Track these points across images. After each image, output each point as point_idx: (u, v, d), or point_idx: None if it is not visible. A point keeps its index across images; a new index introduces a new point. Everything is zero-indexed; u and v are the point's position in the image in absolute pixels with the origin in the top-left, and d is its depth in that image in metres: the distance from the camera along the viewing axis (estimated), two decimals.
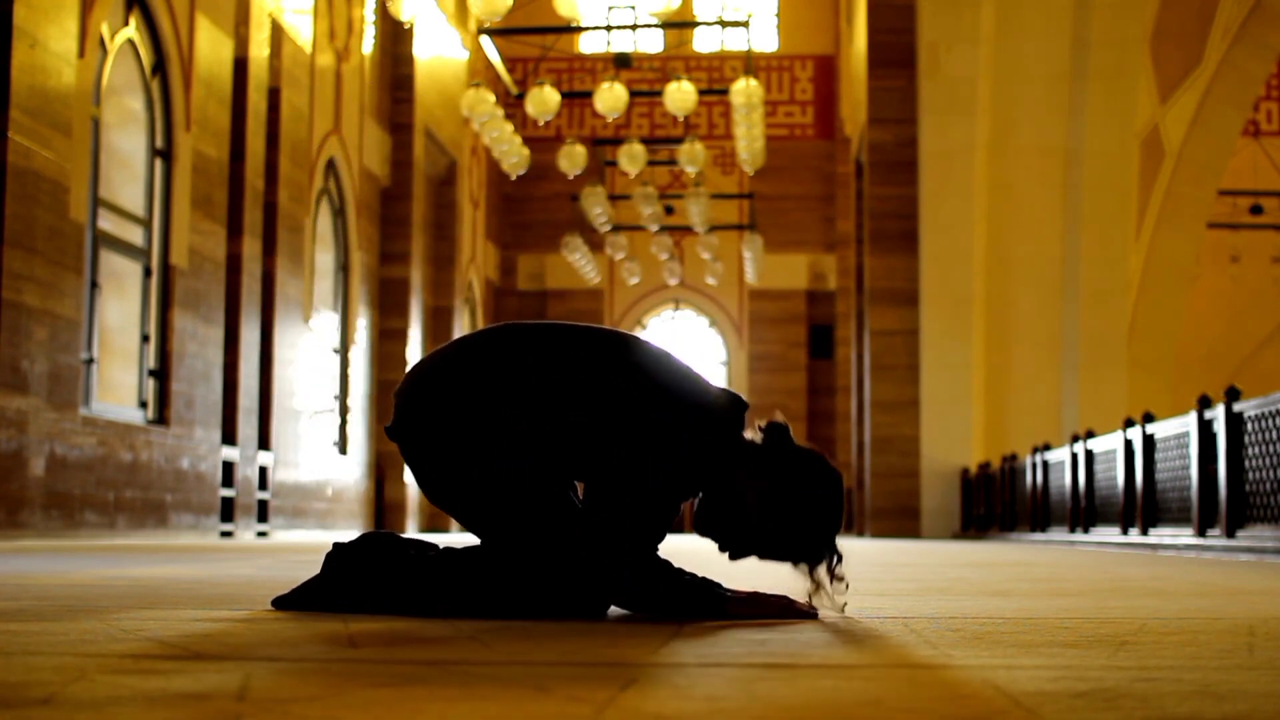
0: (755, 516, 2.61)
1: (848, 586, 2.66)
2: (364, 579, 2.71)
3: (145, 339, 11.37)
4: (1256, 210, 23.26)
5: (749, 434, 2.69)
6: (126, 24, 11.00)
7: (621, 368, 2.65)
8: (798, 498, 2.60)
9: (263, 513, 13.70)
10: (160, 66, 11.54)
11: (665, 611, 2.60)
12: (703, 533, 2.70)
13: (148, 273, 11.43)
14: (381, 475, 17.93)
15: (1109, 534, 10.62)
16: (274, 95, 13.98)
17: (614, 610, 2.77)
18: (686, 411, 2.62)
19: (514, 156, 15.22)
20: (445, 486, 2.68)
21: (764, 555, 2.66)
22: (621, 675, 1.71)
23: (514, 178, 16.29)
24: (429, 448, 2.65)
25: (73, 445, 9.71)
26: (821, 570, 2.63)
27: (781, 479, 2.61)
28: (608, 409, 2.60)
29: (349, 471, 16.71)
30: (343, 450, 16.56)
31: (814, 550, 2.63)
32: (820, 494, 2.61)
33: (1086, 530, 11.30)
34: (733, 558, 2.69)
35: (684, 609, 2.59)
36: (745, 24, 14.97)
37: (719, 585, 2.64)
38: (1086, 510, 11.38)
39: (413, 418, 2.67)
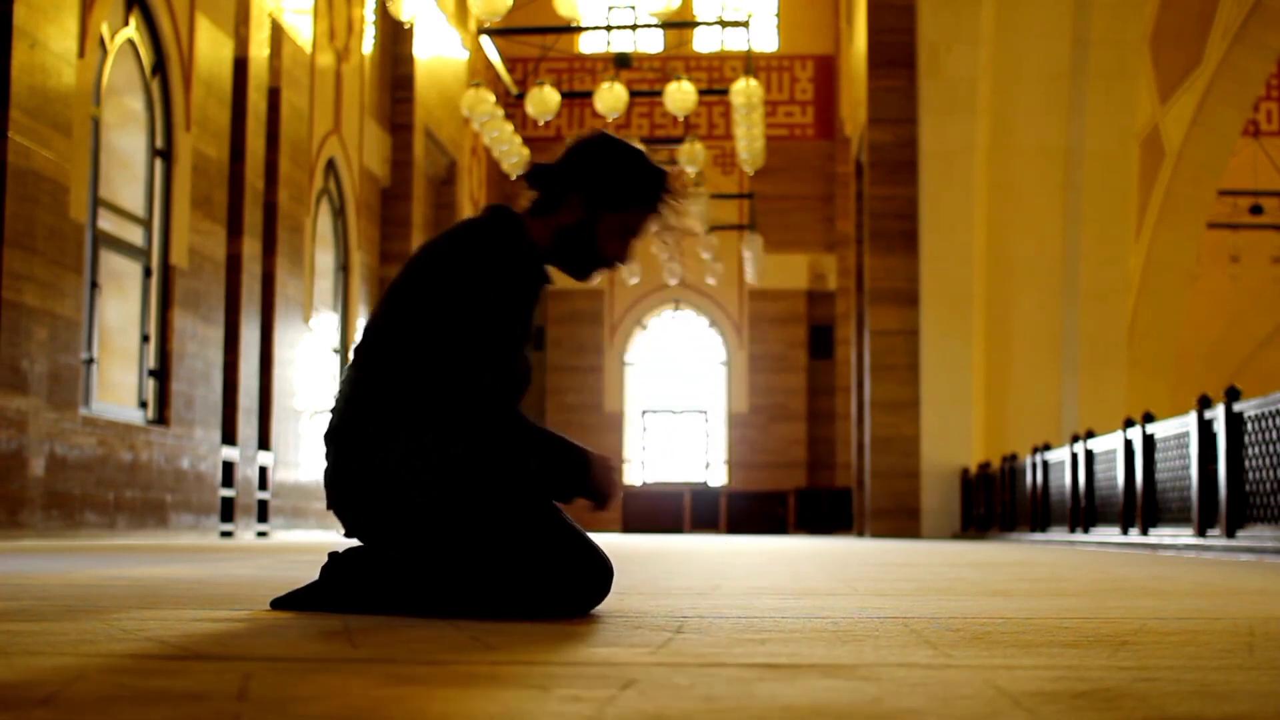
0: (596, 217, 2.71)
1: (678, 195, 2.77)
2: (363, 586, 2.70)
3: (145, 339, 11.37)
4: (1256, 210, 23.25)
5: (528, 217, 2.77)
6: (126, 24, 11.00)
7: (413, 293, 2.69)
8: (598, 174, 2.70)
9: (263, 513, 13.70)
10: (160, 66, 11.55)
11: (534, 456, 2.64)
12: (590, 275, 2.79)
13: (148, 273, 11.43)
14: None
15: (1109, 534, 10.62)
16: (274, 95, 13.99)
17: (601, 610, 2.77)
18: (467, 251, 2.67)
19: (514, 156, 15.22)
20: (425, 554, 2.70)
21: (634, 234, 2.75)
22: (621, 675, 1.71)
23: (514, 178, 16.29)
24: (387, 542, 2.71)
25: (73, 445, 9.71)
26: (672, 195, 2.74)
27: (576, 182, 2.70)
28: (436, 331, 2.64)
29: None
30: None
31: (649, 184, 2.72)
32: (605, 154, 2.72)
33: (1086, 530, 11.30)
34: (623, 261, 2.78)
35: (551, 460, 2.64)
36: (745, 24, 14.96)
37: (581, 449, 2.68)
38: (1086, 510, 11.38)
39: (358, 529, 2.74)
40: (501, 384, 2.65)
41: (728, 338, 25.44)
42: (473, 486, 2.63)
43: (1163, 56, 18.08)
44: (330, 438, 2.77)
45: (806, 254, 25.15)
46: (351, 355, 2.79)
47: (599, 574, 2.67)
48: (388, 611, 2.63)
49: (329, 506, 2.78)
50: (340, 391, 2.77)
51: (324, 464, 2.79)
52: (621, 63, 14.38)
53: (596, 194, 2.70)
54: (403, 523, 2.66)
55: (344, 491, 2.73)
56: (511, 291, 2.67)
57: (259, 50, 13.41)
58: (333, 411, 2.77)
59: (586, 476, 2.66)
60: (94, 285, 10.37)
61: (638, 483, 25.04)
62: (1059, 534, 12.17)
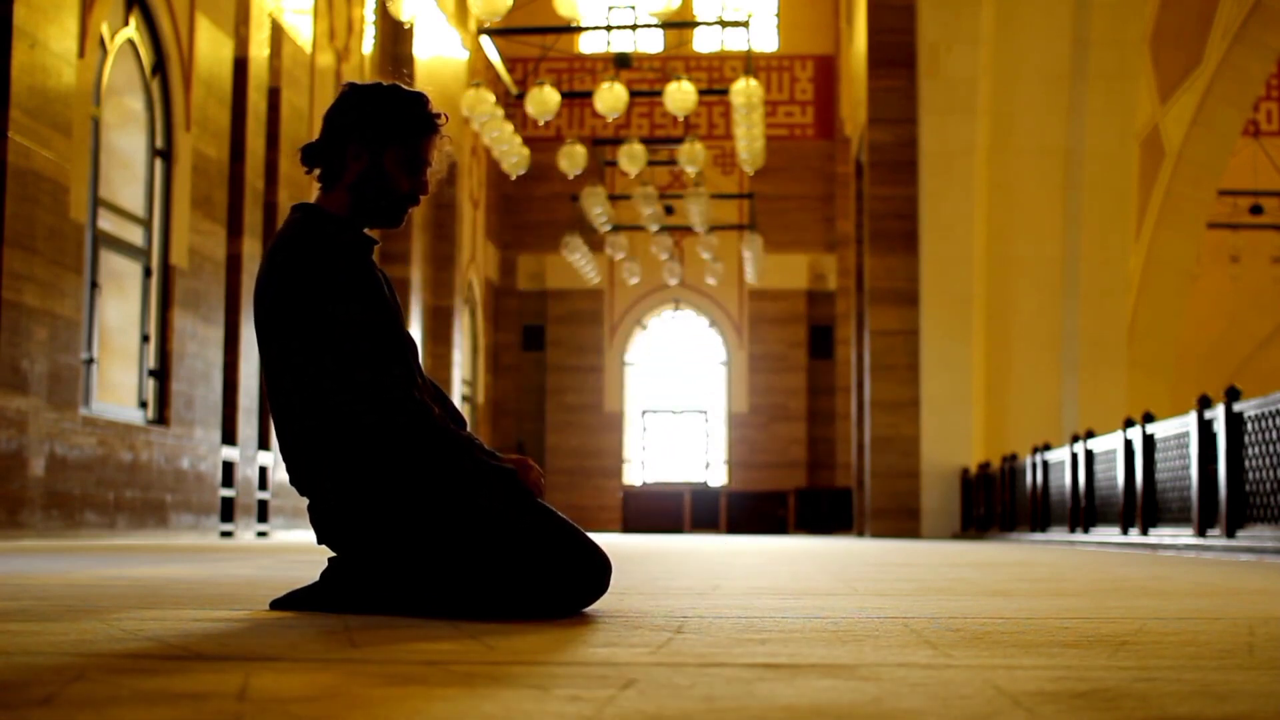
0: (379, 159, 2.75)
1: (446, 121, 2.84)
2: (363, 587, 2.70)
3: (145, 339, 11.37)
4: (1256, 210, 23.25)
5: (322, 197, 2.82)
6: (126, 24, 11.00)
7: (278, 337, 2.72)
8: (361, 116, 2.75)
9: (263, 513, 13.70)
10: (160, 66, 11.55)
11: (445, 466, 2.65)
12: (400, 217, 2.82)
13: (148, 273, 11.43)
14: None
15: (1109, 534, 10.62)
16: (274, 95, 13.99)
17: (601, 610, 2.77)
18: (290, 273, 2.69)
19: (514, 156, 15.22)
20: (425, 561, 2.69)
21: (423, 161, 2.79)
22: (621, 675, 1.71)
23: (514, 178, 16.29)
24: (387, 561, 2.71)
25: (73, 445, 9.70)
26: (437, 115, 2.80)
27: (345, 133, 2.75)
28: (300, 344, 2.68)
29: None
30: None
31: (410, 108, 2.77)
32: (360, 97, 2.78)
33: (1086, 530, 11.30)
34: (424, 192, 2.82)
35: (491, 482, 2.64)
36: (745, 24, 14.97)
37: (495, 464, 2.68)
38: (1086, 510, 11.38)
39: (355, 556, 2.74)
40: (401, 367, 2.67)
41: (728, 338, 25.43)
42: (450, 494, 2.64)
43: (1163, 56, 18.07)
44: (297, 488, 2.79)
45: (806, 254, 25.14)
46: (270, 402, 2.81)
47: (597, 569, 2.68)
48: (388, 611, 2.63)
49: (319, 542, 2.79)
50: (282, 450, 2.79)
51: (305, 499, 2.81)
52: (621, 63, 14.38)
53: (369, 134, 2.75)
54: (398, 542, 2.66)
55: (330, 530, 2.74)
56: (350, 278, 2.68)
57: (259, 50, 13.41)
58: (288, 469, 2.79)
59: (516, 486, 2.69)
60: (94, 285, 10.36)
61: (638, 483, 25.04)
62: (1059, 534, 12.17)
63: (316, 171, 2.81)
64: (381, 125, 2.75)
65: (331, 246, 2.69)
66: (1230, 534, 7.96)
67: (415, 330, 18.48)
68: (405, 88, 2.81)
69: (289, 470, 2.77)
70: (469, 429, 2.79)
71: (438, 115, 2.80)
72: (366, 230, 2.81)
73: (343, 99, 2.80)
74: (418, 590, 2.65)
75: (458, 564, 2.62)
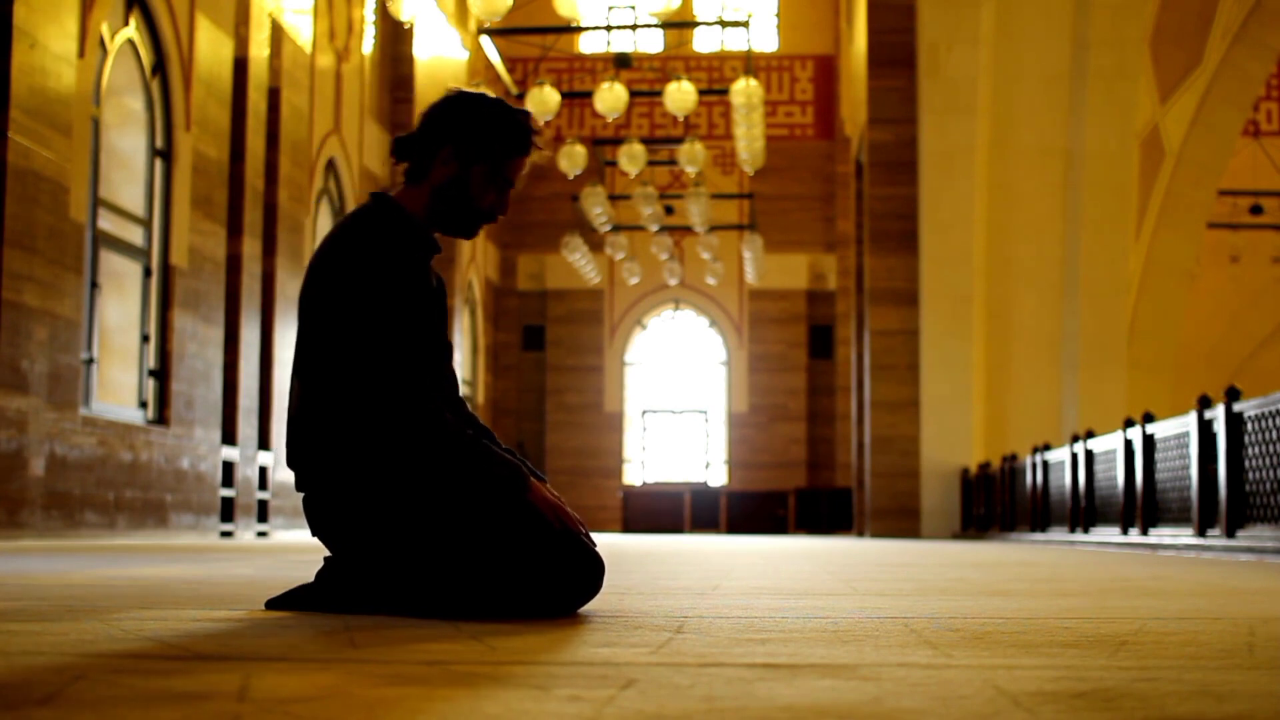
0: (468, 170, 2.73)
1: (540, 136, 2.82)
2: (359, 587, 2.70)
3: (145, 339, 11.37)
4: (1256, 210, 23.26)
5: (399, 188, 2.80)
6: (126, 24, 11.00)
7: (319, 311, 2.68)
8: (461, 125, 2.72)
9: (263, 513, 13.70)
10: (160, 66, 11.55)
11: (455, 469, 2.62)
12: (474, 231, 2.81)
13: (148, 273, 11.43)
14: None
15: (1109, 534, 10.62)
16: (274, 95, 13.99)
17: (601, 610, 2.77)
18: (349, 255, 2.66)
19: None
20: (418, 560, 2.68)
21: (508, 183, 2.76)
22: (621, 675, 1.71)
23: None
24: (377, 558, 2.70)
25: (73, 445, 9.70)
26: (536, 135, 2.78)
27: (442, 137, 2.73)
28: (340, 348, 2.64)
29: None
30: None
31: (512, 127, 2.74)
32: (465, 106, 2.75)
33: (1086, 530, 11.30)
34: (502, 212, 2.80)
35: (476, 471, 2.61)
36: (745, 24, 14.97)
37: (523, 469, 2.65)
38: (1086, 510, 11.38)
39: (346, 552, 2.73)
40: (425, 371, 2.65)
41: (728, 338, 25.43)
42: (446, 493, 2.63)
43: (1163, 56, 18.08)
44: (295, 470, 2.77)
45: (806, 254, 25.14)
46: (290, 380, 2.79)
47: (590, 569, 2.66)
48: (382, 610, 2.63)
49: (313, 534, 2.78)
50: (288, 423, 2.77)
51: (301, 493, 2.79)
52: (621, 63, 14.38)
53: (463, 145, 2.72)
54: (393, 540, 2.65)
55: (322, 521, 2.73)
56: (402, 278, 2.65)
57: (259, 50, 13.41)
58: (287, 445, 2.77)
59: (524, 497, 2.65)
60: (94, 285, 10.37)
61: (638, 483, 25.04)
62: (1059, 534, 12.16)
63: (403, 166, 2.79)
64: (480, 139, 2.72)
65: (387, 241, 2.66)
66: (1230, 534, 7.97)
67: None
68: (512, 105, 2.77)
69: (290, 460, 2.75)
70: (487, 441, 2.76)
71: (537, 132, 2.78)
72: (436, 235, 2.79)
73: (447, 101, 2.77)
74: (410, 588, 2.65)
75: (449, 562, 2.62)
